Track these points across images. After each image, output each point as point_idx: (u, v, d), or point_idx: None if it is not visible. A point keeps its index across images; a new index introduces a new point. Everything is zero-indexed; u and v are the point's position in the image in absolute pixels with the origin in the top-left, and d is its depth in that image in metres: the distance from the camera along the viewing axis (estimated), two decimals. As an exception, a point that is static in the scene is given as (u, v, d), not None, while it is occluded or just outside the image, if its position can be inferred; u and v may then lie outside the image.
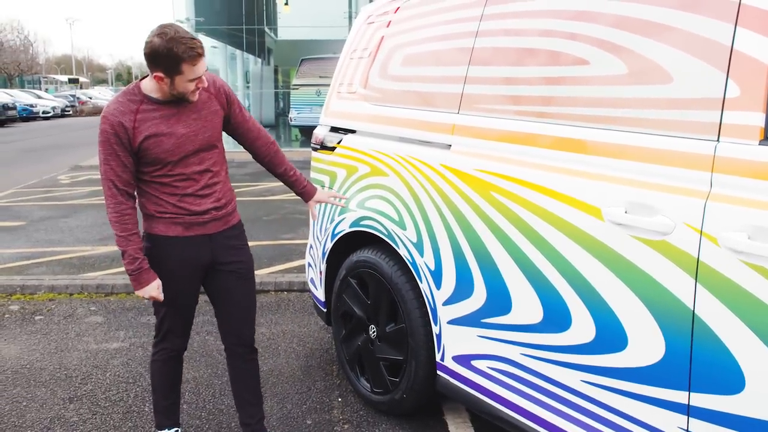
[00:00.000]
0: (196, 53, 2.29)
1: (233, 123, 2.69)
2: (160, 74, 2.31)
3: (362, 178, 3.20)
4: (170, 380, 2.83)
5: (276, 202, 8.96)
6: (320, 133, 3.62)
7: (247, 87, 22.27)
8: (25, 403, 3.35)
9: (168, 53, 2.26)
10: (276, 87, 23.38)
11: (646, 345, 2.01)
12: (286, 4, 29.81)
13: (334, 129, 3.53)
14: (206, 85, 2.45)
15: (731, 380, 1.81)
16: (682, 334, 1.91)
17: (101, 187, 2.43)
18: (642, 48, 2.07)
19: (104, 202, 2.43)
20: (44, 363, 3.84)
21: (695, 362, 1.89)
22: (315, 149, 3.66)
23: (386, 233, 3.02)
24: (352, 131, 3.37)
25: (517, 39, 2.52)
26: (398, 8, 3.23)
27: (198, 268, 2.61)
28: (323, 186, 3.54)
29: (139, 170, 2.47)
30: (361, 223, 3.18)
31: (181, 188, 2.49)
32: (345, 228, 3.29)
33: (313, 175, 3.68)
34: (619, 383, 2.10)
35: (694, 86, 1.93)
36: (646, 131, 2.03)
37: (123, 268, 5.56)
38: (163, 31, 2.27)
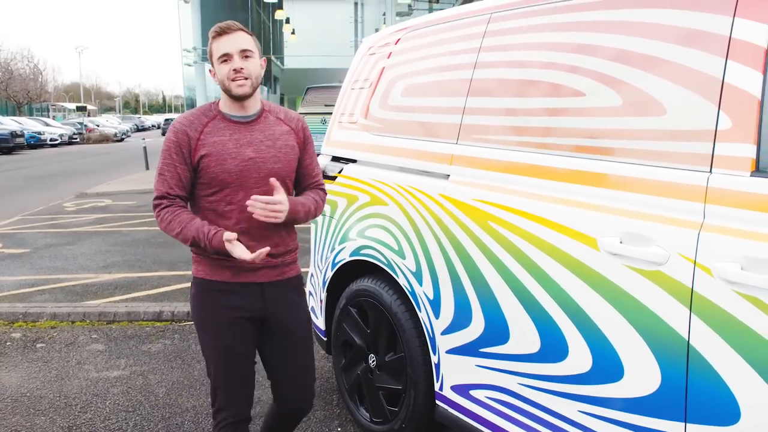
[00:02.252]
0: (218, 28, 2.22)
1: (302, 163, 2.47)
2: (211, 68, 2.27)
3: (362, 207, 3.22)
4: None
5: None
6: (322, 162, 3.66)
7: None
8: (24, 432, 3.35)
9: (208, 40, 2.27)
10: (281, 115, 23.57)
11: (642, 375, 2.01)
12: (293, 33, 30.24)
13: (335, 158, 3.56)
14: (243, 71, 2.21)
15: (727, 411, 1.80)
16: (678, 364, 1.91)
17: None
18: (636, 80, 2.10)
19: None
20: (44, 391, 3.84)
21: (691, 393, 1.89)
22: (316, 178, 3.69)
23: (386, 262, 3.04)
24: (353, 161, 3.40)
25: (514, 70, 2.55)
26: (399, 39, 3.28)
27: (247, 320, 2.33)
28: (324, 215, 3.57)
29: (194, 193, 2.30)
30: (361, 252, 3.19)
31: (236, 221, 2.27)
32: (345, 257, 3.31)
33: (314, 203, 3.70)
34: (616, 414, 2.09)
35: (686, 118, 1.95)
36: (641, 162, 2.05)
37: (124, 296, 5.62)
38: None
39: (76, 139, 36.86)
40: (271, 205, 2.18)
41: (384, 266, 3.05)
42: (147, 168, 17.85)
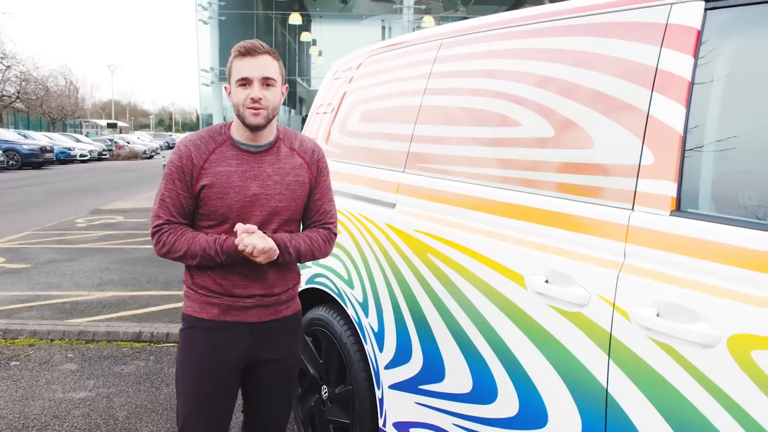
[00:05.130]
0: (242, 47, 2.02)
1: (311, 198, 2.27)
2: (227, 86, 2.11)
3: (318, 233, 3.14)
4: None
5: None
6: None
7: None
8: (-26, 453, 3.31)
9: (230, 57, 2.07)
10: (305, 136, 23.71)
11: (564, 423, 1.89)
12: (320, 55, 30.49)
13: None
14: (261, 101, 2.02)
15: (643, 467, 1.68)
16: (597, 413, 1.79)
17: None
18: (568, 111, 2.00)
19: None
20: (5, 411, 3.80)
21: (610, 445, 1.77)
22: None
23: (336, 292, 2.95)
24: (315, 186, 3.33)
25: (456, 98, 2.48)
26: (360, 64, 3.22)
27: (232, 364, 2.17)
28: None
29: (194, 222, 2.14)
30: (315, 280, 3.11)
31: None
32: (302, 285, 3.23)
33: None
34: (541, 463, 1.97)
35: (613, 152, 1.85)
36: (569, 197, 1.95)
37: (109, 315, 5.60)
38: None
39: (105, 155, 37.48)
40: (268, 252, 2.01)
41: (335, 295, 2.97)
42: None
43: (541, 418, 1.97)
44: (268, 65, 2.04)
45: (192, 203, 2.10)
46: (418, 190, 2.55)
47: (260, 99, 2.01)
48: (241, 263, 2.08)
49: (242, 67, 2.02)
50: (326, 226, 2.28)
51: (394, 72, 2.93)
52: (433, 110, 2.58)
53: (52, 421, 3.68)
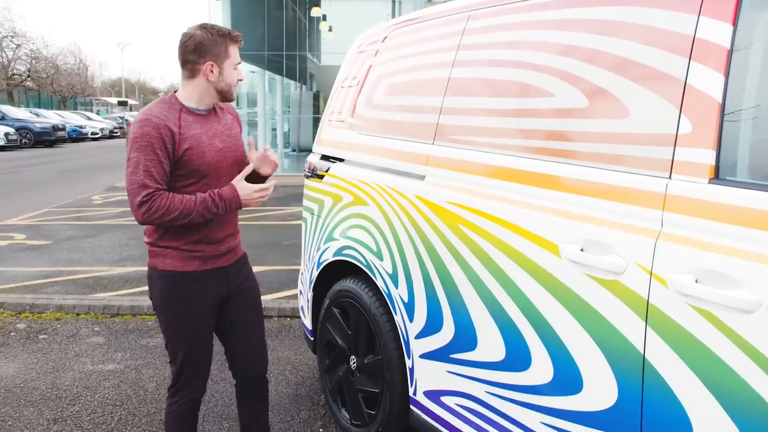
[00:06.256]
0: (236, 35, 2.39)
1: None
2: (211, 62, 2.35)
3: (346, 207, 3.18)
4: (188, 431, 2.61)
5: (298, 226, 8.99)
6: (312, 160, 3.62)
7: (287, 111, 22.58)
8: (10, 422, 3.38)
9: (216, 39, 2.34)
10: (316, 112, 23.65)
11: (600, 389, 1.93)
12: (330, 30, 30.25)
13: (324, 157, 3.52)
14: (243, 79, 2.48)
15: (680, 429, 1.71)
16: (634, 379, 1.83)
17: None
18: (602, 81, 2.01)
19: (133, 216, 2.28)
20: (38, 382, 3.88)
21: (646, 409, 1.80)
22: (307, 176, 3.65)
23: (365, 263, 2.99)
24: (341, 160, 3.36)
25: (487, 69, 2.48)
26: (386, 37, 3.23)
27: (214, 307, 2.51)
28: (312, 214, 3.53)
29: (171, 184, 2.35)
30: (343, 252, 3.15)
31: None
32: (329, 257, 3.27)
33: (304, 202, 3.67)
34: (576, 427, 2.01)
35: (649, 121, 1.86)
36: (604, 166, 1.97)
37: (132, 290, 5.67)
38: (202, 25, 2.39)
39: (116, 133, 37.54)
40: (264, 191, 2.42)
41: (363, 267, 3.01)
42: (179, 163, 18.01)
43: (576, 384, 2.00)
44: None
45: (170, 168, 2.32)
46: (448, 161, 2.57)
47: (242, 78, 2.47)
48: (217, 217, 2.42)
49: (236, 53, 2.42)
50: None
51: (420, 45, 2.94)
52: (462, 82, 2.59)
53: (84, 392, 3.75)
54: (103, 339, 4.62)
